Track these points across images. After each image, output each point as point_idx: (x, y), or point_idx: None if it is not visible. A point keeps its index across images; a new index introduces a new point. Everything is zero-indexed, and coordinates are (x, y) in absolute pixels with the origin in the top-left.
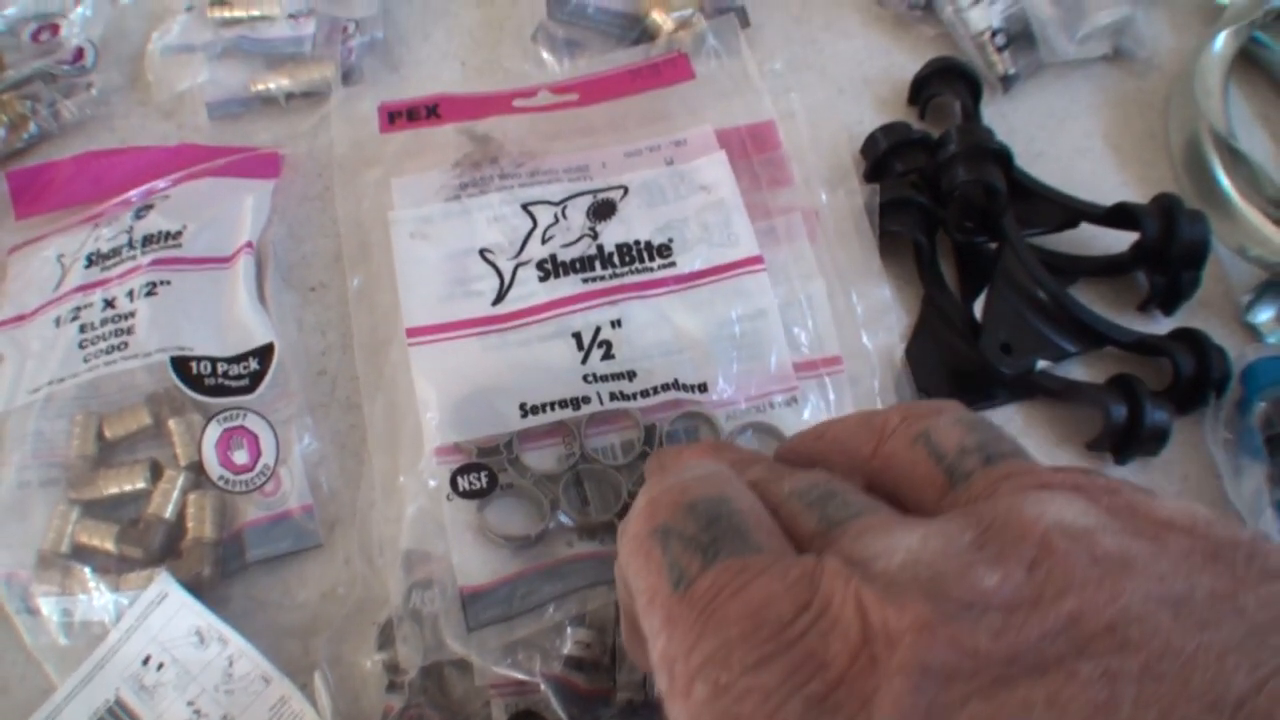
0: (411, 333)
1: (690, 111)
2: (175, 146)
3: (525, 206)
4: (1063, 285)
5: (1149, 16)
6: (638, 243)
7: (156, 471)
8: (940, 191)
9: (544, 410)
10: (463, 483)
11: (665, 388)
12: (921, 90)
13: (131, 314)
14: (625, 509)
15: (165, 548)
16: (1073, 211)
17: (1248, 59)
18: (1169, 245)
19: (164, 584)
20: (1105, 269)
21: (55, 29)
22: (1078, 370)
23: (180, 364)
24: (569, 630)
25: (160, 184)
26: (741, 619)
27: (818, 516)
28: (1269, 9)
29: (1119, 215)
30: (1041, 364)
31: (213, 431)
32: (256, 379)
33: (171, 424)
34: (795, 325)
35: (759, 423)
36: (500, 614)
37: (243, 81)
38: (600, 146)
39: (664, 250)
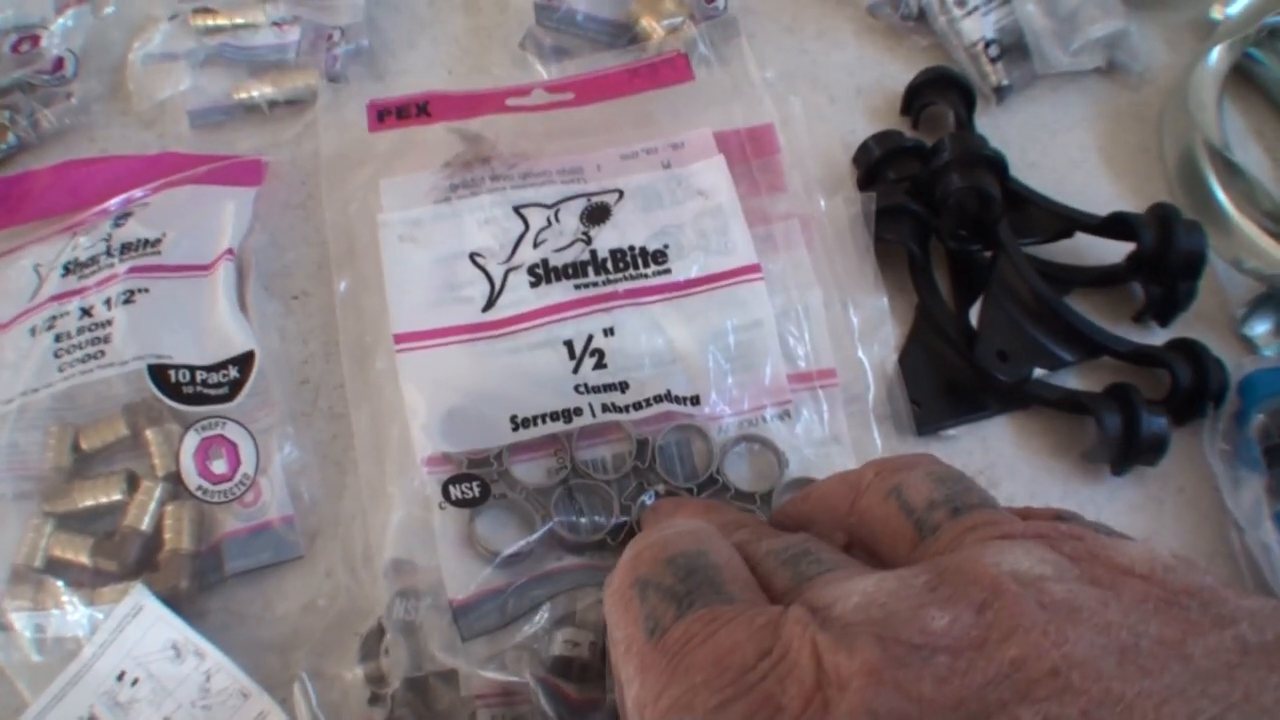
0: (400, 339)
1: (688, 113)
2: (156, 155)
3: (517, 209)
4: (1058, 294)
5: (1142, 30)
6: (632, 248)
7: (133, 483)
8: (934, 199)
9: (535, 423)
10: (455, 492)
11: (658, 399)
12: (915, 100)
13: (109, 322)
14: (617, 526)
15: (141, 560)
16: (1068, 221)
17: (1241, 75)
18: (1166, 255)
19: (140, 597)
20: (1101, 279)
21: (36, 40)
22: (1074, 380)
23: (158, 372)
24: (557, 633)
25: (139, 192)
26: (707, 665)
27: (790, 573)
28: (1262, 26)
29: (1115, 225)
30: (1037, 373)
31: (191, 440)
32: (236, 387)
33: (149, 434)
34: (791, 336)
35: (752, 435)
36: (492, 623)
37: (225, 90)
38: (595, 148)
39: (659, 256)
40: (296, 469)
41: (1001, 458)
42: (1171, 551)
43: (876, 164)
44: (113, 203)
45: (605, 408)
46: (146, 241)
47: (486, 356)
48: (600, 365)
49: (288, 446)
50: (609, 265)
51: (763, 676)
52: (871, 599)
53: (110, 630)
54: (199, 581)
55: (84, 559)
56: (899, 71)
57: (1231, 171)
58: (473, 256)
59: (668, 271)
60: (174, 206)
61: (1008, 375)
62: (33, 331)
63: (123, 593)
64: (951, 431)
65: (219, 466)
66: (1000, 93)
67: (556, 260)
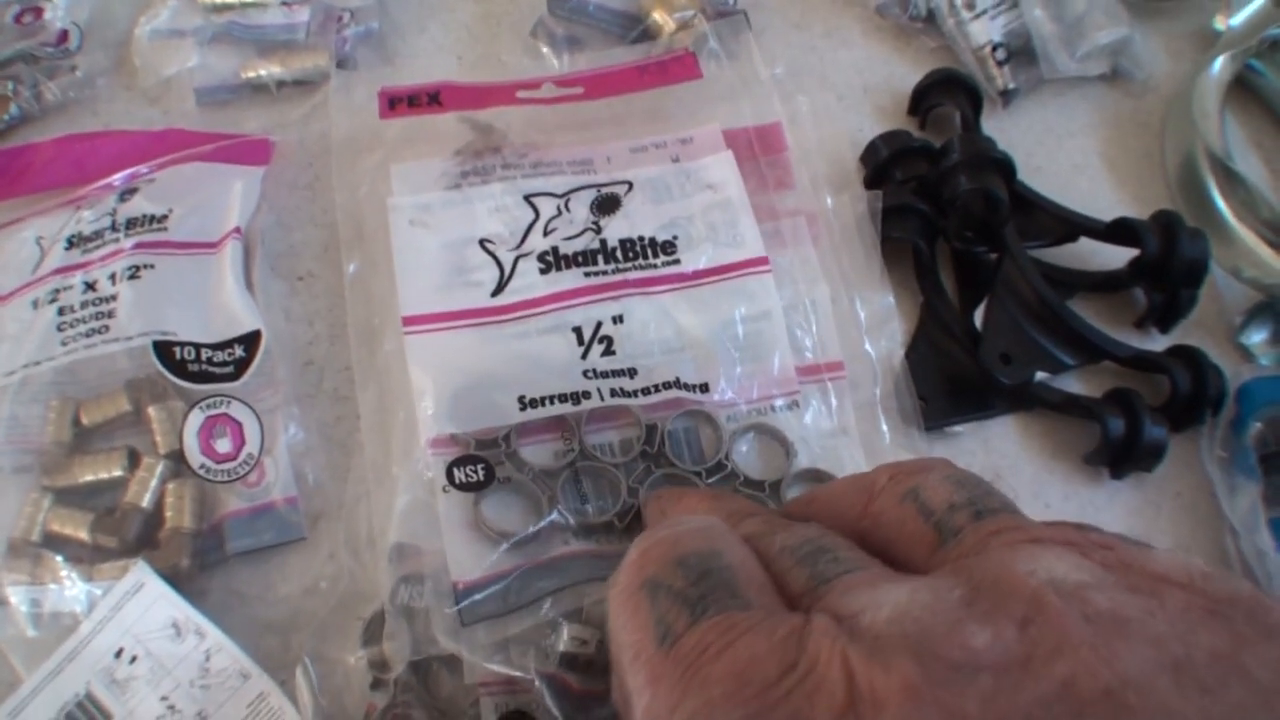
0: (408, 321)
1: (697, 110)
2: (161, 131)
3: (527, 198)
4: (1061, 298)
5: (1146, 39)
6: (641, 239)
7: (134, 459)
8: (941, 200)
9: (543, 404)
10: (459, 474)
11: (666, 386)
12: (922, 100)
13: (113, 297)
14: (625, 508)
15: (142, 538)
16: (1073, 225)
17: (1242, 85)
18: (1169, 262)
19: (140, 574)
20: (1103, 284)
21: (39, 12)
22: (1075, 384)
23: (163, 349)
24: (564, 627)
25: (145, 168)
26: (726, 678)
27: (808, 573)
28: (1264, 37)
29: (1120, 230)
30: (1040, 376)
31: (195, 418)
32: (242, 366)
33: (151, 411)
34: (798, 329)
35: (760, 424)
36: (494, 609)
37: (233, 68)
38: (604, 141)
39: (668, 247)
40: (301, 450)
41: (1004, 457)
42: (1204, 562)
43: (884, 163)
44: (118, 177)
45: (614, 392)
46: (153, 217)
47: (495, 341)
48: (609, 352)
49: (292, 427)
50: (619, 254)
51: (788, 691)
52: (905, 612)
53: (109, 607)
54: (200, 560)
55: (83, 535)
56: (906, 72)
57: (1232, 180)
58: (483, 242)
59: (677, 262)
60: (181, 183)
61: (1010, 377)
62: (35, 304)
63: (122, 569)
64: (957, 429)
65: (223, 445)
66: (1006, 96)
67: (567, 248)
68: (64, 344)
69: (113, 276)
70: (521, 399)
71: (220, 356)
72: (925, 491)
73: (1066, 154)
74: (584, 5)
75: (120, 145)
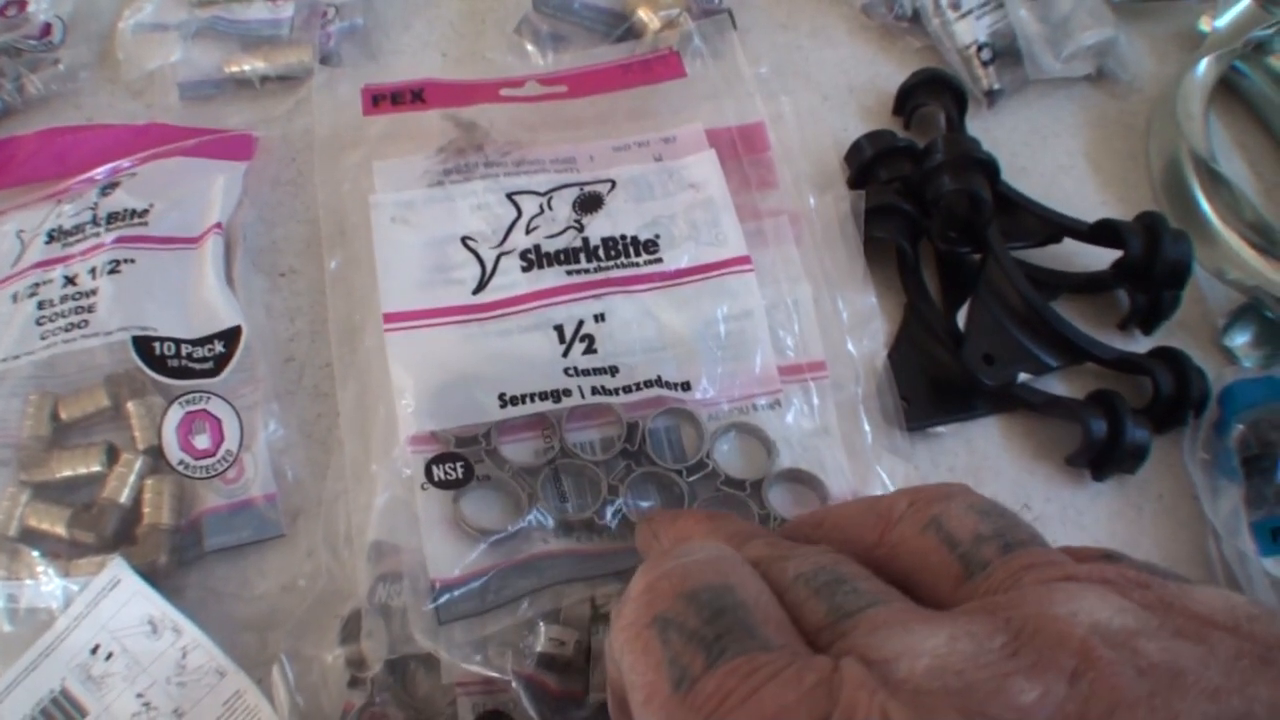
0: (389, 318)
1: (680, 109)
2: (143, 125)
3: (510, 196)
4: (1045, 299)
5: (1131, 40)
6: (624, 237)
7: (113, 455)
8: (925, 200)
9: (524, 401)
10: (438, 472)
11: (648, 384)
12: (907, 100)
13: (93, 291)
14: (604, 505)
15: (119, 533)
16: (1057, 226)
17: (1227, 87)
18: (1152, 263)
19: (117, 570)
20: (1087, 285)
21: (22, 4)
22: (1058, 385)
23: (142, 344)
24: (542, 627)
25: (127, 162)
26: None
27: (826, 606)
28: (1249, 39)
29: (1103, 231)
30: (1023, 377)
31: (174, 414)
32: (222, 362)
33: (130, 406)
34: (780, 328)
35: (742, 423)
36: (472, 608)
37: (216, 63)
38: (588, 139)
39: (650, 246)
40: (280, 447)
41: (986, 459)
42: (1246, 599)
43: (868, 163)
44: (99, 171)
45: (595, 390)
46: (134, 212)
47: (476, 338)
48: (590, 350)
49: (272, 424)
50: (601, 253)
51: None
52: (946, 664)
53: (86, 602)
54: (177, 557)
55: (60, 530)
56: (892, 72)
57: (1216, 182)
58: (464, 240)
59: (659, 261)
60: (162, 178)
61: (993, 378)
62: (14, 298)
63: (99, 565)
64: (939, 429)
65: (202, 442)
66: (991, 96)
67: (549, 246)
68: (43, 338)
69: (93, 271)
70: (502, 397)
71: (200, 352)
72: (949, 521)
73: (1051, 155)
74: (569, 3)
75: (102, 139)
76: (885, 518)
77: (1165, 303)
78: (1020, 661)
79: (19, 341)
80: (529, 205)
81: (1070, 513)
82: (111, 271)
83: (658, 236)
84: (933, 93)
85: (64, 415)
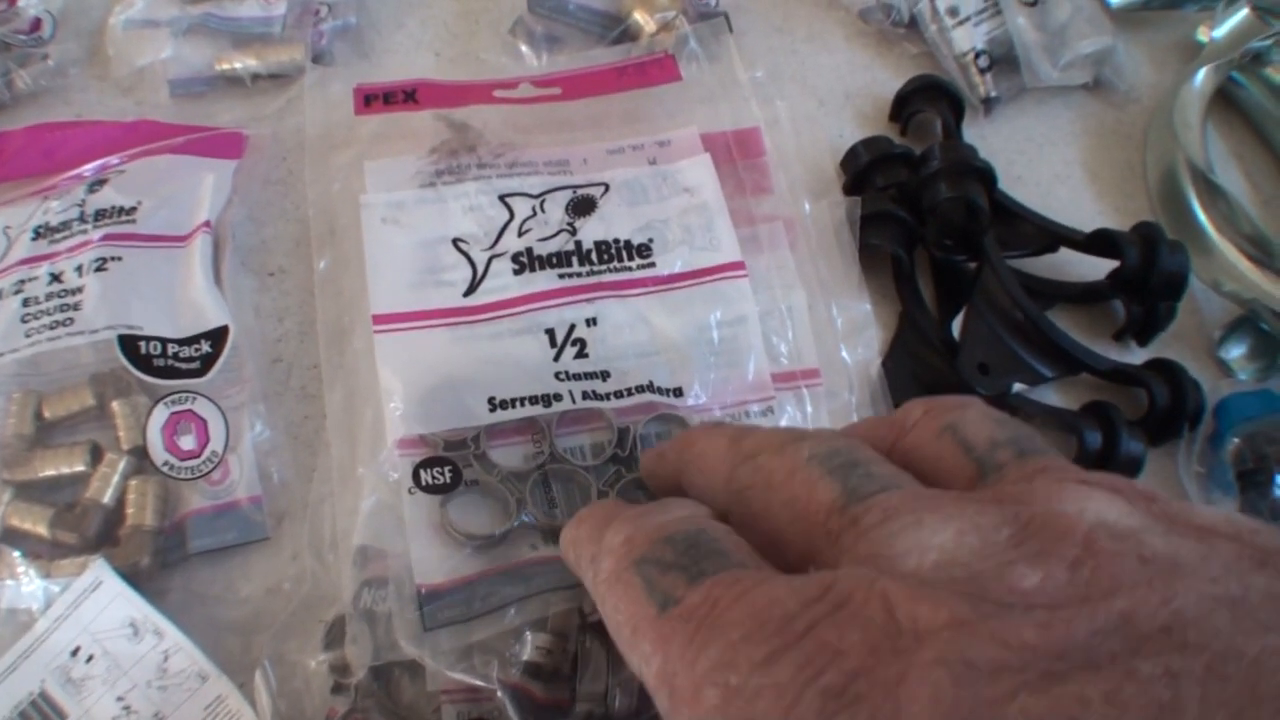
0: (378, 319)
1: (675, 113)
2: (133, 122)
3: (502, 198)
4: (1040, 309)
5: (1129, 49)
6: (617, 241)
7: (97, 454)
8: (920, 208)
9: (513, 405)
10: (426, 476)
11: (640, 390)
12: (904, 107)
13: (79, 289)
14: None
15: (102, 534)
16: (1053, 236)
17: (1225, 98)
18: (1149, 274)
19: (99, 571)
20: (1083, 295)
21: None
22: (1052, 396)
23: (128, 343)
24: (529, 636)
25: (115, 159)
26: (745, 620)
27: (840, 487)
28: (1247, 50)
29: (1100, 241)
30: (1017, 387)
31: (159, 414)
32: (208, 362)
33: (115, 405)
34: (774, 335)
35: None
36: (458, 615)
37: (207, 60)
38: (581, 142)
39: (644, 250)
40: (266, 449)
41: None
42: (1248, 517)
43: (864, 169)
44: (88, 168)
45: (586, 395)
46: (121, 209)
47: (466, 341)
48: (582, 354)
49: (258, 425)
50: (593, 256)
51: (813, 623)
52: (953, 558)
53: (67, 604)
54: (160, 559)
55: (42, 530)
56: (888, 78)
57: (1213, 193)
58: (456, 242)
59: (652, 265)
60: (151, 175)
61: (988, 388)
62: None
63: (81, 566)
64: None
65: (187, 442)
66: (988, 104)
67: (541, 249)
68: (28, 335)
69: (79, 268)
70: (492, 400)
71: (186, 352)
72: (966, 427)
73: (1048, 163)
74: (564, 4)
75: (91, 135)
76: (899, 425)
77: (1161, 314)
78: (1023, 550)
79: (3, 339)
80: (521, 207)
81: None
82: (98, 269)
83: (651, 241)
84: (929, 99)
85: (48, 414)
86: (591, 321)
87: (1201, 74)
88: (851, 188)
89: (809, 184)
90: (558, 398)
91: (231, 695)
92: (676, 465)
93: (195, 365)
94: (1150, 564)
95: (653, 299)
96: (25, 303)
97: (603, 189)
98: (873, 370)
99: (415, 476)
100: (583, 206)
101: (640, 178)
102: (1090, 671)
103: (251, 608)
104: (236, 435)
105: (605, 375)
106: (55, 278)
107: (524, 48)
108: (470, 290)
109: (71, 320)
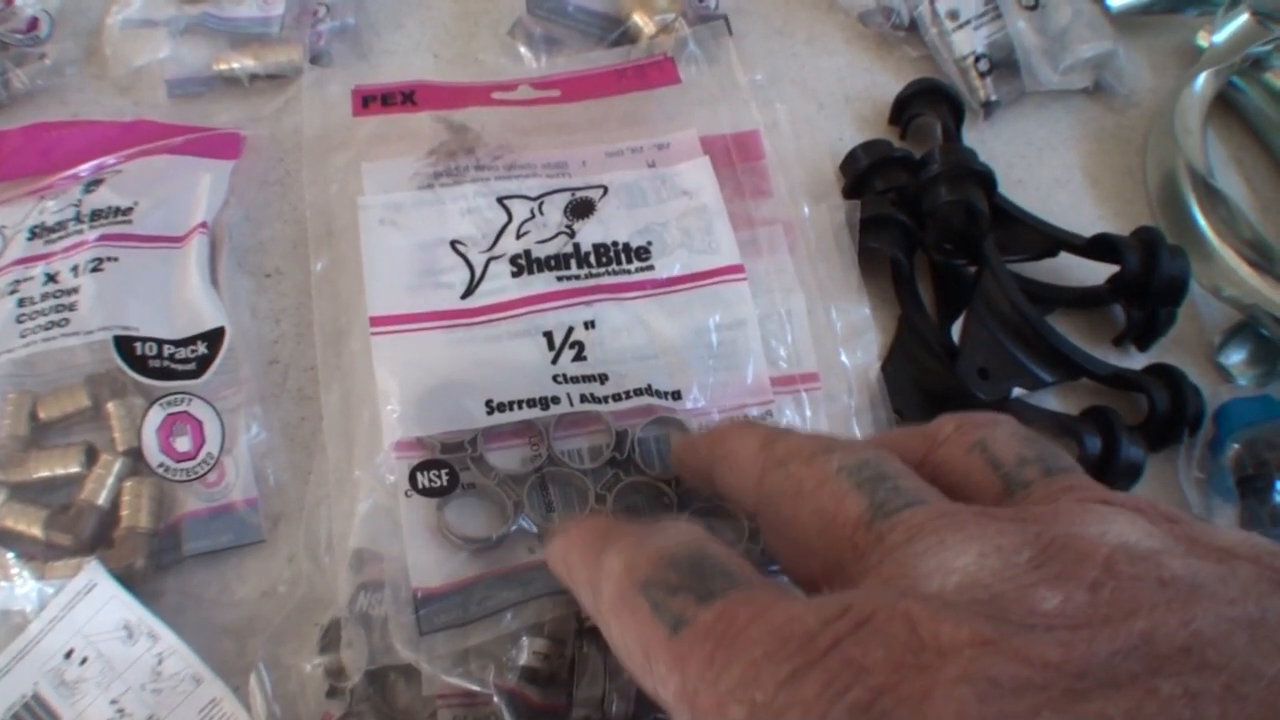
0: (375, 321)
1: (674, 115)
2: (130, 122)
3: (501, 200)
4: (1040, 314)
5: (1129, 54)
6: (615, 244)
7: (92, 456)
8: (920, 211)
9: (511, 408)
10: (422, 479)
11: (638, 393)
12: (904, 110)
13: (75, 290)
14: (592, 515)
15: (97, 536)
16: (1053, 240)
17: (1225, 103)
18: (1149, 279)
19: (93, 573)
20: (1082, 300)
21: None
22: (1052, 400)
23: (124, 344)
24: (525, 640)
25: (112, 159)
26: (765, 638)
27: (868, 501)
28: (1247, 55)
29: (1100, 246)
30: (1017, 392)
31: (155, 416)
32: (204, 363)
33: (111, 407)
34: (773, 339)
35: None
36: (454, 619)
37: (205, 60)
38: (580, 144)
39: (642, 253)
40: (262, 451)
41: None
42: (1269, 540)
43: (864, 173)
44: (84, 168)
45: (584, 398)
46: (118, 209)
47: (464, 343)
48: (580, 357)
49: (255, 427)
50: (592, 259)
51: (837, 640)
52: (975, 579)
53: (61, 606)
54: (155, 561)
55: (36, 531)
56: (888, 81)
57: (1213, 198)
58: (454, 244)
59: (651, 268)
60: (148, 175)
61: (987, 393)
62: None
63: (75, 568)
64: None
65: (183, 444)
66: (988, 108)
67: (539, 252)
68: (23, 336)
69: (75, 269)
70: (489, 403)
71: (182, 353)
72: (995, 445)
73: (1048, 167)
74: (563, 6)
75: (89, 135)
76: (930, 439)
77: (1161, 319)
78: (1044, 573)
79: None
80: (520, 210)
81: None
82: (94, 270)
83: (650, 243)
84: (929, 103)
85: (43, 415)
86: (590, 324)
87: (1202, 79)
88: (851, 191)
89: (808, 187)
90: (556, 400)
91: (226, 699)
92: (708, 459)
93: (191, 366)
94: (1170, 586)
95: (651, 302)
96: (20, 303)
97: (601, 191)
98: (872, 374)
99: (412, 479)
100: (581, 209)
101: (639, 180)
102: (1111, 690)
103: (247, 611)
104: (232, 437)
105: (603, 378)
106: (51, 278)
107: (523, 49)
108: (468, 292)
109: (67, 321)
